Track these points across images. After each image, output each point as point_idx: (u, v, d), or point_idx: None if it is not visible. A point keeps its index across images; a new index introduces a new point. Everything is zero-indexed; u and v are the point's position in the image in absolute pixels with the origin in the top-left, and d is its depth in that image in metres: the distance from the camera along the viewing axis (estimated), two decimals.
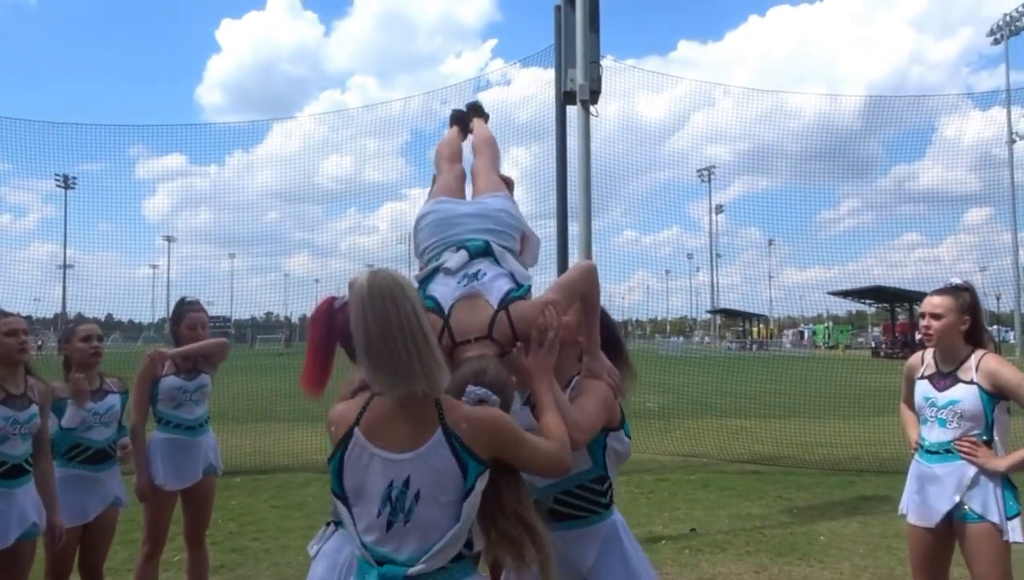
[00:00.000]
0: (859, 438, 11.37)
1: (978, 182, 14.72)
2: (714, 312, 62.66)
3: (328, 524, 2.66)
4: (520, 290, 2.43)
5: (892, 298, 48.32)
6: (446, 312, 2.36)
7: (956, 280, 3.68)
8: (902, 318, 52.47)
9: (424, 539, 1.87)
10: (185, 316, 4.77)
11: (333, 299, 2.71)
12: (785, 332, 75.11)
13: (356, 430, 1.93)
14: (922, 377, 3.69)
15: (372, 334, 1.88)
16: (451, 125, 3.74)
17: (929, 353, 3.72)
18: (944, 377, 3.58)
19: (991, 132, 14.93)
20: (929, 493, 3.56)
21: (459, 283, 2.43)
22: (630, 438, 2.67)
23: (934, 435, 3.57)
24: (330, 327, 2.65)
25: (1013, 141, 22.14)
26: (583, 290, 2.50)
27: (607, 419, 2.50)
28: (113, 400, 4.23)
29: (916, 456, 3.70)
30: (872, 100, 15.44)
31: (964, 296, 3.58)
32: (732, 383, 20.06)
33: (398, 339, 1.87)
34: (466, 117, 3.75)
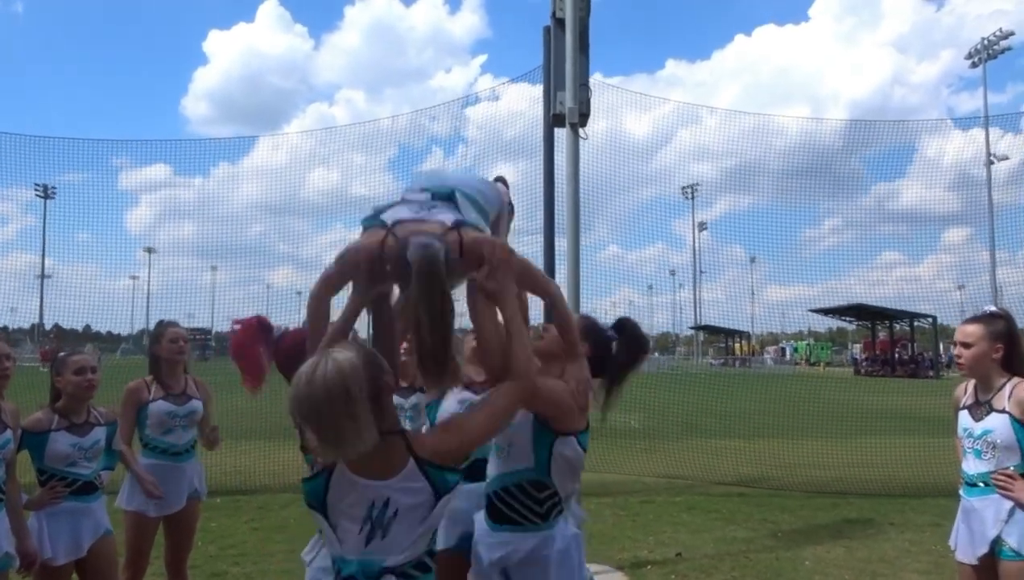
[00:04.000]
0: (843, 459, 11.39)
1: (957, 202, 14.86)
2: (697, 328, 62.81)
3: (320, 531, 2.72)
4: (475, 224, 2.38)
5: (873, 316, 48.82)
6: (390, 224, 2.30)
7: (991, 307, 3.62)
8: (882, 336, 53.00)
9: (400, 548, 2.03)
10: (166, 332, 4.67)
11: (260, 319, 2.91)
12: (767, 349, 75.54)
13: (339, 462, 2.06)
14: (963, 407, 3.60)
15: (303, 401, 1.92)
16: None
17: (971, 383, 3.61)
18: (980, 406, 3.49)
19: (970, 152, 15.06)
20: (970, 528, 3.46)
21: (411, 211, 2.37)
22: (586, 450, 2.67)
23: (971, 467, 3.47)
24: (255, 339, 2.86)
25: (991, 162, 22.41)
26: (536, 280, 2.55)
27: (556, 415, 2.54)
28: (99, 434, 4.02)
29: (960, 490, 3.58)
30: (855, 123, 15.62)
31: (997, 323, 3.50)
32: (716, 402, 20.05)
33: (324, 412, 1.91)
34: None
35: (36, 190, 21.55)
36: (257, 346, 2.88)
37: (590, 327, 2.90)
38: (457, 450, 2.13)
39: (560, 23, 6.12)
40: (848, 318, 50.42)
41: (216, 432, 4.83)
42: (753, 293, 22.30)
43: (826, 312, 33.85)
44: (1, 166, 13.58)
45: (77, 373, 3.93)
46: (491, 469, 2.75)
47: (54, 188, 19.92)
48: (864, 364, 51.46)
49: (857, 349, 64.05)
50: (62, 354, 4.06)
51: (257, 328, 2.91)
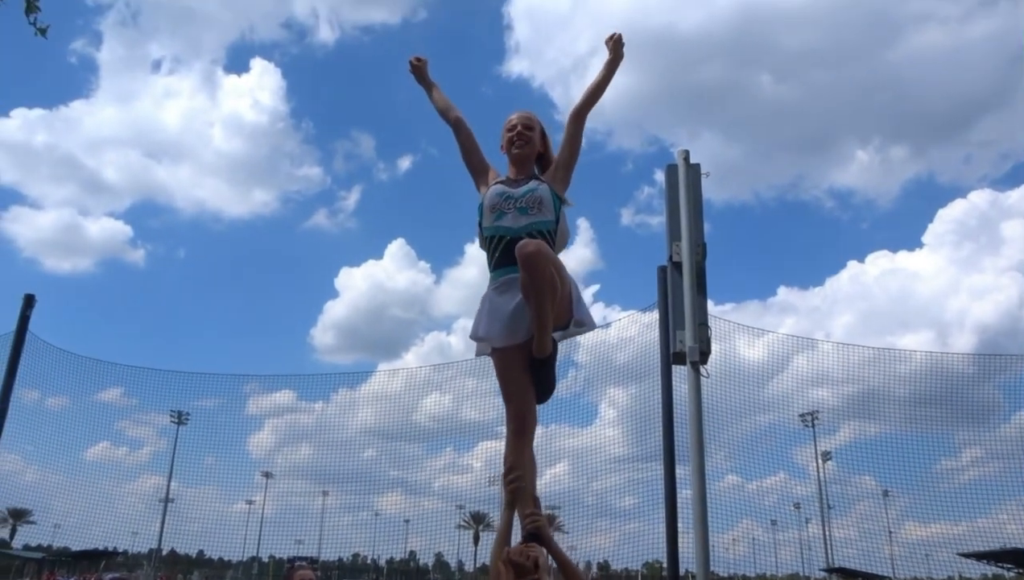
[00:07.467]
0: None
1: None
2: (829, 570, 56.94)
3: None
4: None
5: None
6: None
7: None
8: None
9: None
10: (295, 574, 4.65)
11: None
12: None
13: None
14: None
15: None
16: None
17: None
18: None
19: None
20: None
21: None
22: None
23: None
24: None
25: None
26: None
27: None
28: None
29: None
30: (986, 356, 14.85)
31: None
32: None
33: None
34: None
35: (171, 416, 23.00)
36: None
37: None
38: None
39: (677, 265, 6.33)
40: (1006, 565, 44.65)
41: None
42: (890, 531, 20.36)
43: (979, 557, 30.19)
44: (143, 395, 14.87)
45: None
46: None
47: (188, 414, 21.25)
48: None
49: None
50: None
51: None
